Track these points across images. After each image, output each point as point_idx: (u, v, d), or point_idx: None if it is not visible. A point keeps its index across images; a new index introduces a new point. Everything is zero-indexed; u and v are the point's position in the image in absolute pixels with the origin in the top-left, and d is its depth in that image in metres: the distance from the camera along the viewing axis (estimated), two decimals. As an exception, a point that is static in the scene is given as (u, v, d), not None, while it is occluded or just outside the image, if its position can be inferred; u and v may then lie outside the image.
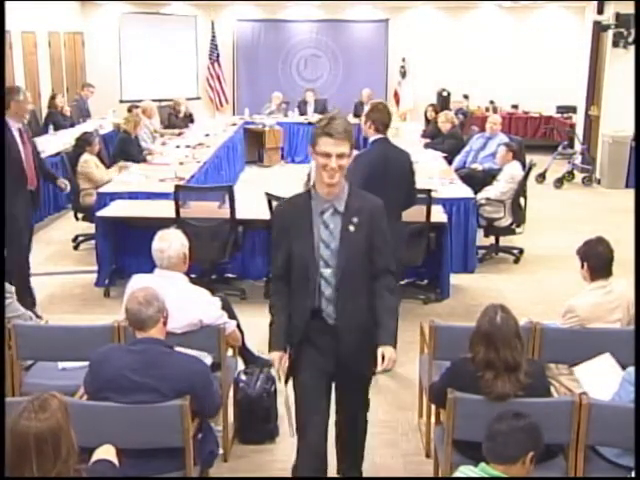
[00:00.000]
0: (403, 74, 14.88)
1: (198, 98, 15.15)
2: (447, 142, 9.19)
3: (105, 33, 14.40)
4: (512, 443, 2.64)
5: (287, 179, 10.73)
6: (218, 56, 15.04)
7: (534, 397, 3.08)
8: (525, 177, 7.38)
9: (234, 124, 12.43)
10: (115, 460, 2.68)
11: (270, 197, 5.90)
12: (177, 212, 6.08)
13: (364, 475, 3.84)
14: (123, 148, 8.68)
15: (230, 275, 6.64)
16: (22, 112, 5.74)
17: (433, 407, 3.73)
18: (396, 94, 15.01)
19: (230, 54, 15.25)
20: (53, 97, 11.68)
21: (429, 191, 6.00)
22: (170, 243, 3.89)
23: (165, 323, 3.25)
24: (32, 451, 2.23)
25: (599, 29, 11.78)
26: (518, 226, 7.44)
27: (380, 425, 4.35)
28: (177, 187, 6.26)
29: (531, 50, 14.56)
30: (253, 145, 12.87)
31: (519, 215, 7.38)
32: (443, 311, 6.07)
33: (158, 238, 3.93)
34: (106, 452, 2.71)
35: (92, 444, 2.75)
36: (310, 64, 15.30)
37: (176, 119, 12.23)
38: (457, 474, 2.74)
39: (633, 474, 2.90)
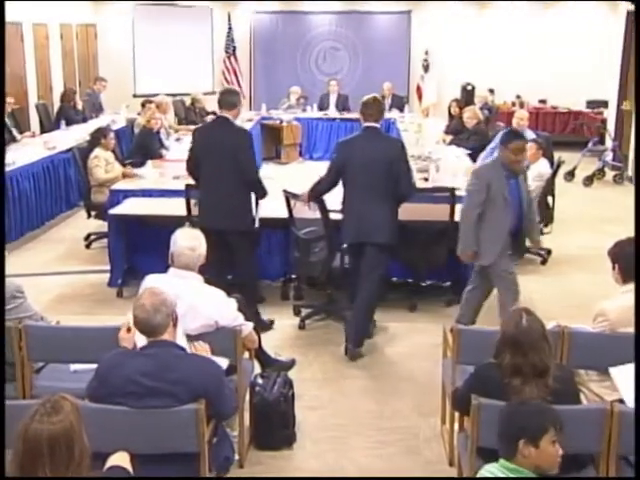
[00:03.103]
0: (426, 68, 14.76)
1: (214, 93, 14.93)
2: (472, 138, 9.02)
3: (118, 25, 14.36)
4: (503, 437, 2.72)
5: (305, 176, 10.52)
6: (234, 49, 14.99)
7: (562, 403, 2.98)
8: (553, 175, 7.34)
9: (250, 119, 12.25)
10: (129, 467, 2.70)
11: (288, 195, 5.78)
12: (188, 211, 6.00)
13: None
14: (142, 143, 8.57)
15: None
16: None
17: (457, 413, 3.70)
18: (419, 88, 14.94)
19: (247, 47, 15.21)
20: (66, 91, 11.57)
21: (452, 190, 5.93)
22: (201, 242, 3.90)
23: (175, 325, 3.21)
24: (45, 454, 2.21)
25: (633, 20, 11.38)
26: (546, 226, 7.34)
27: (401, 431, 4.27)
28: (188, 185, 6.08)
29: (560, 42, 14.25)
30: (270, 141, 12.75)
31: (547, 214, 7.29)
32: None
33: (189, 236, 3.90)
34: (120, 459, 2.72)
35: (105, 449, 2.77)
36: (329, 57, 15.22)
37: (195, 115, 12.10)
38: (482, 472, 2.72)
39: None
